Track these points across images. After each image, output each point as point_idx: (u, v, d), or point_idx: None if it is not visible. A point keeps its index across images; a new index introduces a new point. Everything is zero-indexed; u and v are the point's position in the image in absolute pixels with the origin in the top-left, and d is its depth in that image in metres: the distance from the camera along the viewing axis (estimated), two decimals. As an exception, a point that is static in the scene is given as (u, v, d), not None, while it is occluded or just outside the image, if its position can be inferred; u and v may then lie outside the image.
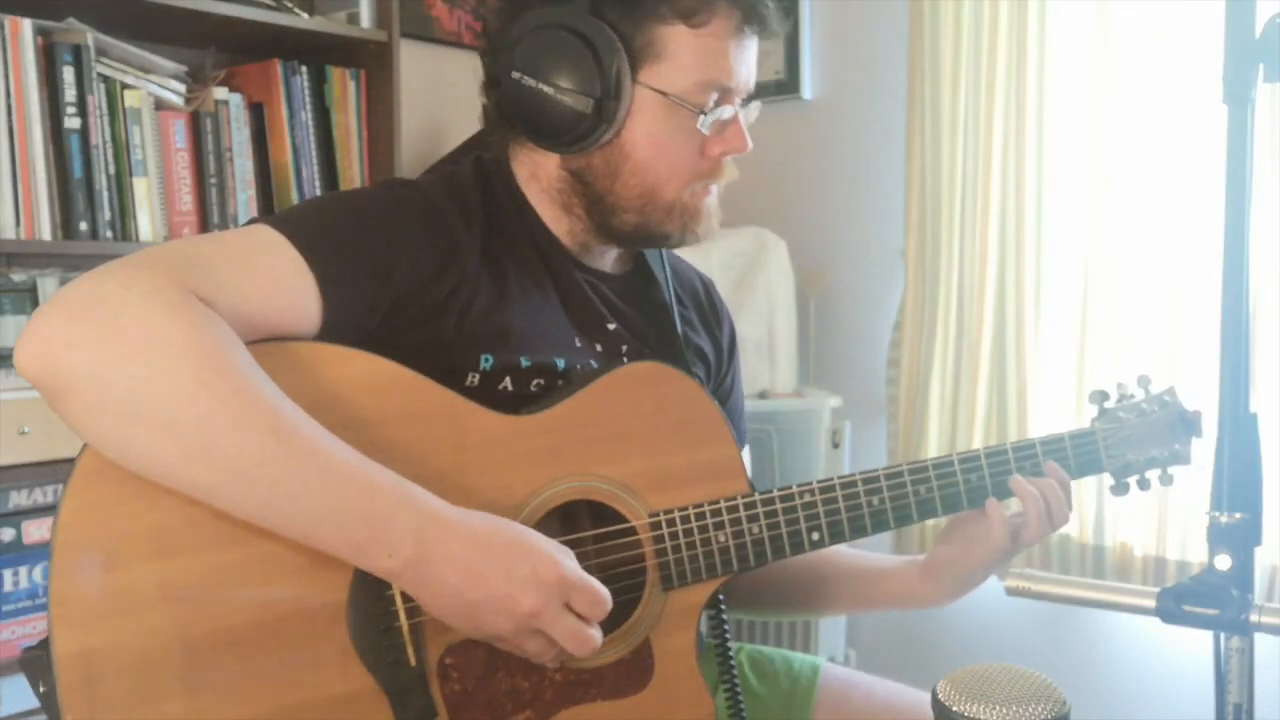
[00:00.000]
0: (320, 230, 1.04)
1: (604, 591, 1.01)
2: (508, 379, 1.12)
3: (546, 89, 1.11)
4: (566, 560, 1.00)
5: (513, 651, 1.03)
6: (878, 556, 1.34)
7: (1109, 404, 1.25)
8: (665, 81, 1.13)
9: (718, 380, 1.34)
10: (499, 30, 1.16)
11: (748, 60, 1.17)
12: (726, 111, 1.16)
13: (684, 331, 1.28)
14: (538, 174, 1.19)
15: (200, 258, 0.99)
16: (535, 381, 1.14)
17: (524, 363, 1.13)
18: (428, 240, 1.09)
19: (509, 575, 0.97)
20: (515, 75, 1.12)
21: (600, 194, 1.17)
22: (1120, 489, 1.25)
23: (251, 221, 1.07)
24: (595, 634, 1.01)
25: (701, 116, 1.14)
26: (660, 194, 1.17)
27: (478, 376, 1.11)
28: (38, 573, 1.86)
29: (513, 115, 1.16)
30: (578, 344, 1.19)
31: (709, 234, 1.23)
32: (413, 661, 1.01)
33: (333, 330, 1.03)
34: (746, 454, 1.39)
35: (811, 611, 1.38)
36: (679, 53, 1.12)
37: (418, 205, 1.11)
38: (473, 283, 1.11)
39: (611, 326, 1.21)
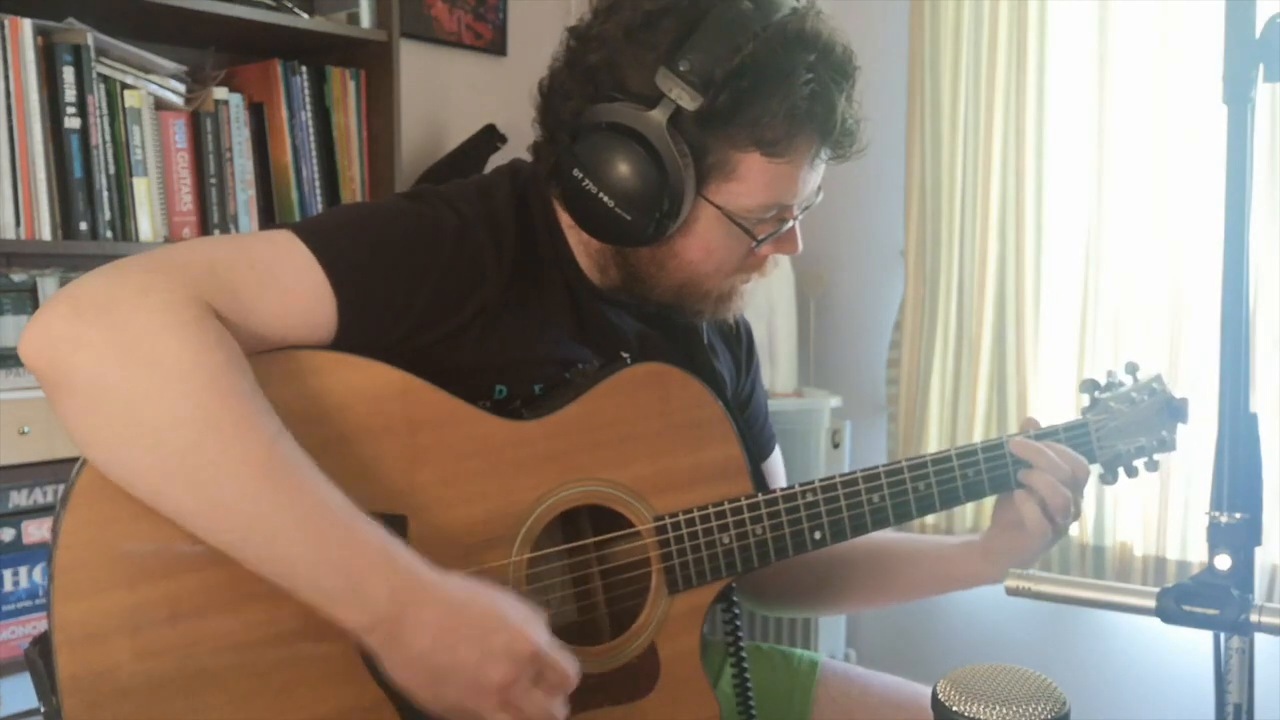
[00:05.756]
0: (347, 249, 1.02)
1: (574, 667, 0.99)
2: (519, 401, 1.12)
3: (606, 199, 1.06)
4: (540, 633, 0.97)
5: None
6: (931, 539, 1.34)
7: (1099, 393, 1.26)
8: (728, 200, 1.10)
9: (736, 396, 1.33)
10: (567, 104, 1.10)
11: (815, 178, 1.14)
12: (784, 227, 1.14)
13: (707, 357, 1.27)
14: (579, 228, 1.14)
15: (221, 265, 0.97)
16: None
17: (536, 390, 1.13)
18: (455, 267, 1.07)
19: (481, 644, 0.94)
20: (576, 173, 1.07)
21: (640, 275, 1.15)
22: (1109, 478, 1.26)
23: (277, 225, 1.05)
24: (562, 710, 0.98)
25: (756, 241, 1.12)
26: (701, 285, 1.16)
27: (489, 404, 1.10)
28: (38, 573, 1.86)
29: (564, 201, 1.12)
30: (595, 366, 1.18)
31: (740, 311, 1.23)
32: None
33: (345, 346, 1.02)
34: (778, 454, 1.39)
35: (876, 600, 1.36)
36: (748, 177, 1.09)
37: (450, 228, 1.07)
38: (495, 311, 1.09)
39: (625, 356, 1.19)
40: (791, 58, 1.06)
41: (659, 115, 1.04)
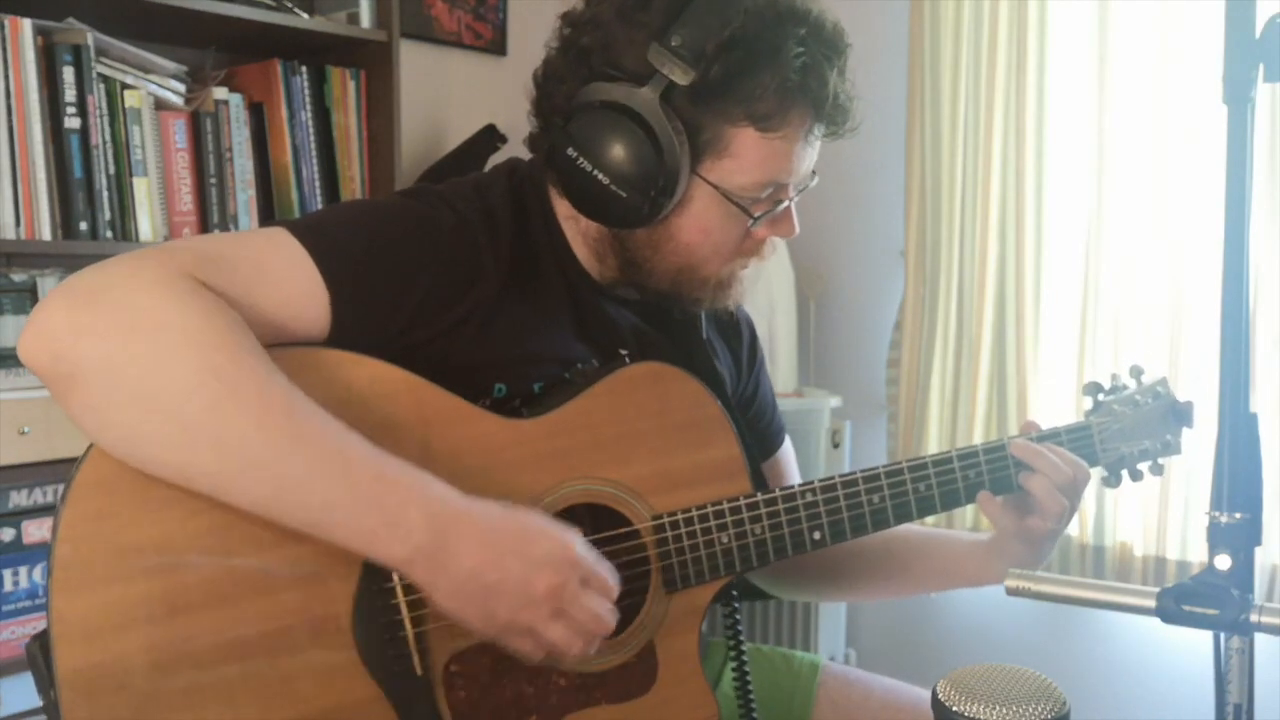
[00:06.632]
0: (341, 246, 1.03)
1: (614, 573, 1.01)
2: (518, 400, 1.12)
3: (601, 177, 1.07)
4: (579, 541, 1.00)
5: (529, 655, 1.00)
6: (943, 534, 1.35)
7: (1103, 396, 1.26)
8: (723, 177, 1.10)
9: (739, 393, 1.33)
10: (561, 88, 1.10)
11: (811, 156, 1.14)
12: (780, 207, 1.14)
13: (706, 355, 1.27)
14: (576, 218, 1.15)
15: (214, 253, 0.98)
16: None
17: (536, 388, 1.13)
18: (451, 264, 1.07)
19: (525, 556, 0.96)
20: (571, 152, 1.08)
21: (638, 261, 1.15)
22: (1113, 480, 1.26)
23: (273, 223, 1.05)
24: (612, 613, 1.00)
25: (753, 219, 1.12)
26: (699, 270, 1.16)
27: (489, 401, 1.10)
28: (38, 573, 1.86)
29: (560, 184, 1.12)
30: (595, 365, 1.18)
31: (739, 300, 1.22)
32: (418, 670, 1.01)
33: (339, 342, 1.02)
34: (788, 445, 1.39)
35: (885, 589, 1.39)
36: (743, 153, 1.09)
37: (446, 225, 1.07)
38: (491, 308, 1.09)
39: (624, 352, 1.19)
40: (782, 31, 1.06)
41: (651, 91, 1.05)
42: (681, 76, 1.04)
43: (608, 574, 1.01)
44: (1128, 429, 1.24)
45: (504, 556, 0.96)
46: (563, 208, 1.16)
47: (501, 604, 0.96)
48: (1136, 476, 1.26)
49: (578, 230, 1.16)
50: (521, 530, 0.98)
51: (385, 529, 0.93)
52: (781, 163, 1.11)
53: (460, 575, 0.95)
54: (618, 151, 1.06)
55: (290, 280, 1.00)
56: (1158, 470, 1.27)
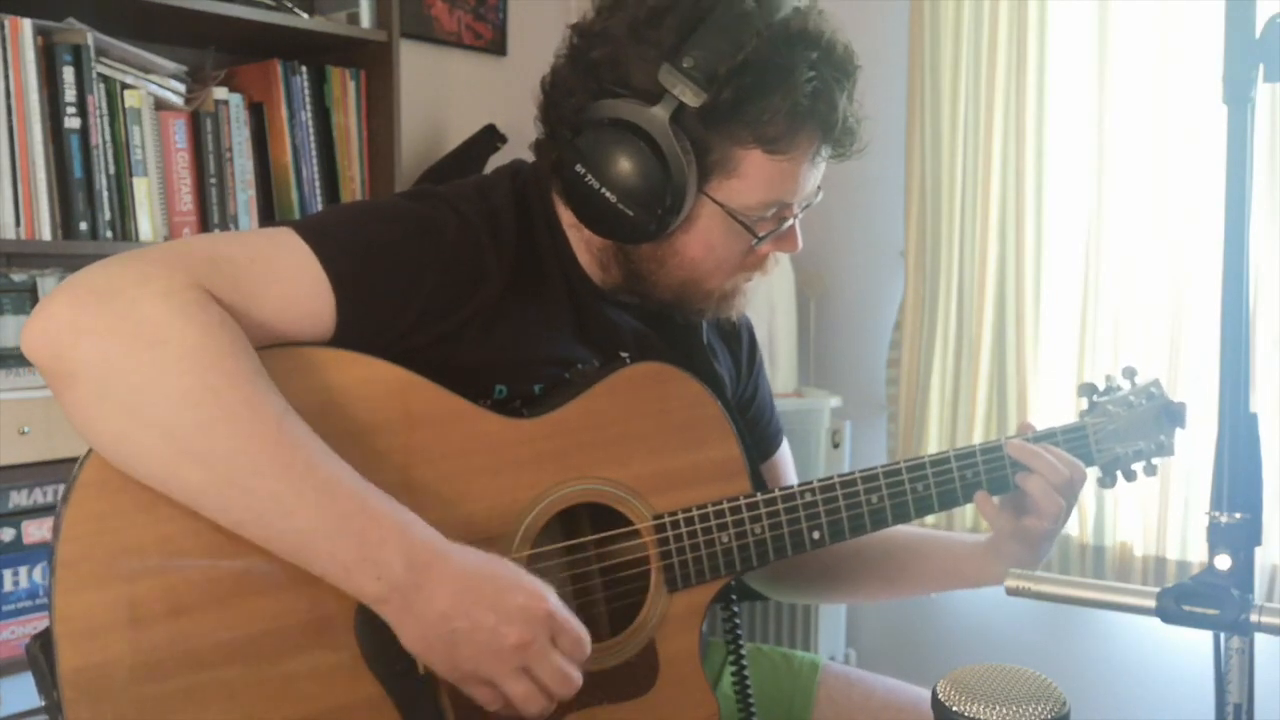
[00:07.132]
0: (346, 246, 1.03)
1: (586, 633, 1.00)
2: (519, 401, 1.12)
3: (609, 195, 1.07)
4: (554, 597, 0.99)
5: (487, 704, 0.98)
6: (942, 535, 1.35)
7: (1097, 397, 1.26)
8: (730, 197, 1.10)
9: (738, 395, 1.33)
10: (569, 100, 1.10)
11: (816, 176, 1.15)
12: (784, 225, 1.14)
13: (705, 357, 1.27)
14: (580, 226, 1.14)
15: (221, 258, 0.98)
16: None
17: (536, 389, 1.13)
18: (455, 265, 1.07)
19: (498, 606, 0.95)
20: (579, 169, 1.07)
21: (642, 273, 1.15)
22: (1107, 481, 1.27)
23: (277, 223, 1.05)
24: (578, 675, 0.99)
25: (757, 239, 1.13)
26: (703, 284, 1.16)
27: (490, 402, 1.10)
28: (38, 573, 1.86)
29: (566, 198, 1.12)
30: (595, 366, 1.18)
31: (742, 310, 1.23)
32: (421, 670, 1.00)
33: (344, 343, 1.02)
34: (786, 448, 1.39)
35: (884, 591, 1.39)
36: (750, 173, 1.09)
37: (450, 227, 1.07)
38: (494, 310, 1.09)
39: (624, 355, 1.19)
40: (794, 55, 1.06)
41: (662, 111, 1.05)
42: (692, 98, 1.04)
43: (580, 634, 0.99)
44: (1122, 430, 1.25)
45: (475, 606, 0.95)
46: (567, 215, 1.16)
47: (466, 652, 0.95)
48: (1131, 477, 1.27)
49: (581, 237, 1.16)
50: (496, 579, 0.97)
51: (360, 563, 0.93)
52: (787, 183, 1.11)
53: (429, 619, 0.94)
54: (625, 170, 1.06)
55: (296, 281, 1.00)
56: (1151, 471, 1.27)
